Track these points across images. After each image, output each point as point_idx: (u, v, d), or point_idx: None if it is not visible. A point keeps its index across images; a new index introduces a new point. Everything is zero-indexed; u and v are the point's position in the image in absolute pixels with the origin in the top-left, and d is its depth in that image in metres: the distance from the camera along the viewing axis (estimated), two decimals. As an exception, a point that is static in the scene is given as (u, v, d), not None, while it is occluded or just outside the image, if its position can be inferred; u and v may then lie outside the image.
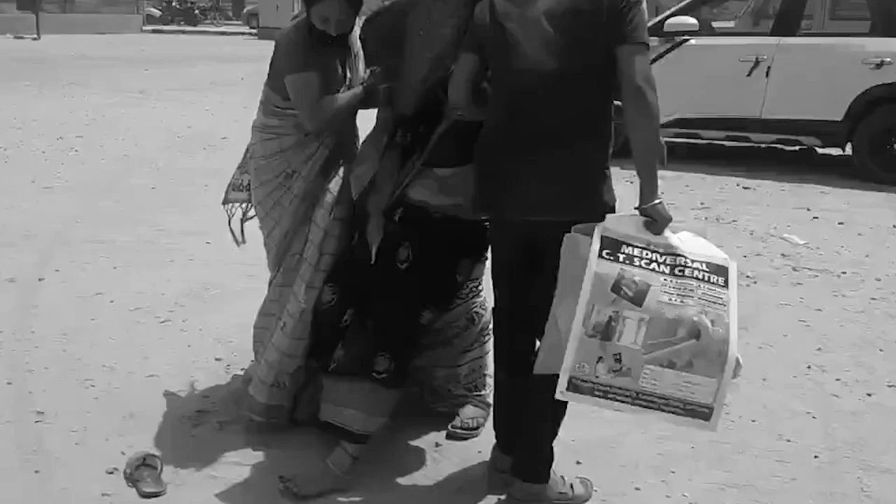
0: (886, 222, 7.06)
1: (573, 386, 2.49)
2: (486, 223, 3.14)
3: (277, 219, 3.36)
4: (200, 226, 6.17)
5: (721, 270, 2.59)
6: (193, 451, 3.28)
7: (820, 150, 9.53)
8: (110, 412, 3.57)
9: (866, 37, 8.70)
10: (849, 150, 8.82)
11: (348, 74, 3.36)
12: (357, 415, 3.05)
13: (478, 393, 3.57)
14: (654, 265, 2.53)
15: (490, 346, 3.34)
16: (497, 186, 2.78)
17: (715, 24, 10.78)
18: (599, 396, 2.49)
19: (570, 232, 2.60)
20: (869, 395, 3.96)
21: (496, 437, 3.17)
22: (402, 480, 3.18)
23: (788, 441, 3.53)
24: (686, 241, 2.62)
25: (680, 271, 2.54)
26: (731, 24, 13.14)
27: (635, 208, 2.60)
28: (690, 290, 2.52)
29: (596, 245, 2.51)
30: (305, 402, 3.41)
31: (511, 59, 2.66)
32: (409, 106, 3.10)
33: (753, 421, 3.69)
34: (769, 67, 8.61)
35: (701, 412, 2.52)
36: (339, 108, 3.25)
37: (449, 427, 3.45)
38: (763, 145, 9.35)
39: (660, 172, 2.63)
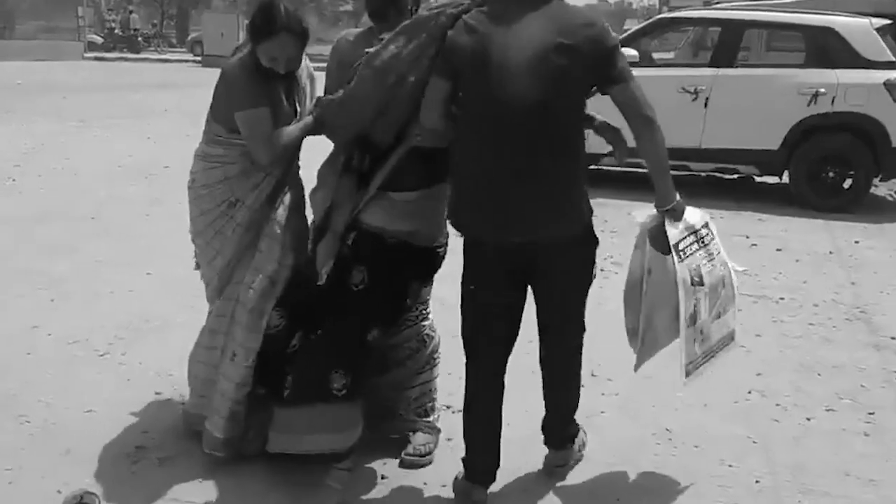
0: (823, 248, 7.23)
1: (686, 372, 3.17)
2: (439, 249, 3.23)
3: (219, 248, 3.33)
4: (141, 256, 6.09)
5: (707, 225, 3.24)
6: (132, 488, 3.22)
7: (758, 178, 9.74)
8: (46, 449, 3.48)
9: (801, 68, 8.94)
10: (786, 178, 9.05)
11: (297, 108, 3.36)
12: (331, 437, 3.07)
13: (427, 419, 3.57)
14: (694, 247, 3.13)
15: (438, 370, 3.51)
16: (489, 211, 2.88)
17: (655, 56, 10.99)
18: (696, 369, 3.22)
19: (561, 247, 2.95)
20: (808, 419, 4.03)
21: (472, 463, 3.17)
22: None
23: (730, 466, 3.57)
24: (690, 213, 3.16)
25: (703, 242, 3.17)
26: (671, 55, 13.43)
27: (658, 209, 3.08)
28: (709, 252, 3.19)
29: (675, 256, 3.03)
30: (252, 436, 3.35)
31: (495, 87, 2.78)
32: (389, 136, 3.08)
33: (696, 447, 3.73)
34: (707, 98, 8.81)
35: (730, 335, 3.39)
36: (291, 141, 3.25)
37: (402, 455, 3.45)
38: (703, 174, 9.54)
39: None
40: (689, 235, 3.12)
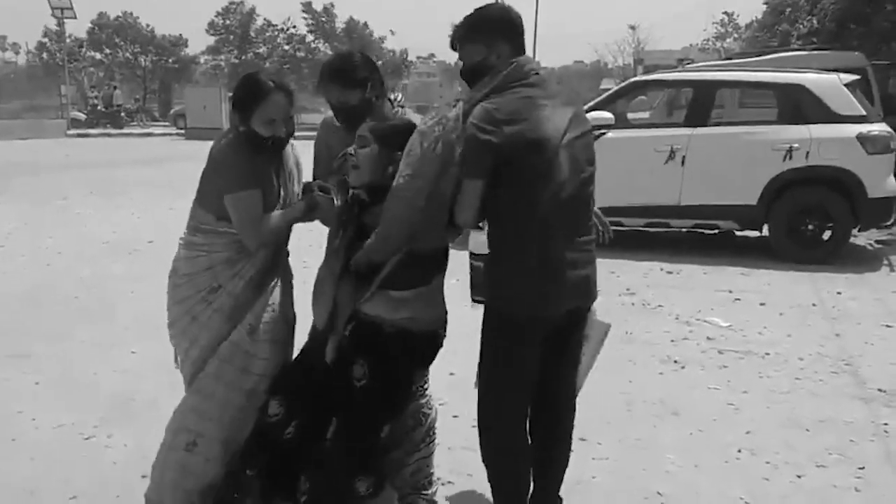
0: (806, 301, 7.28)
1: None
2: (440, 331, 3.19)
3: (194, 337, 3.27)
4: (126, 335, 6.06)
5: None
6: (119, 575, 3.16)
7: (738, 233, 9.84)
8: (31, 538, 3.43)
9: (774, 124, 9.11)
10: (766, 231, 9.15)
11: (282, 193, 3.33)
12: None
13: (425, 492, 3.55)
14: None
15: (436, 444, 3.51)
16: (550, 285, 2.96)
17: (630, 116, 11.16)
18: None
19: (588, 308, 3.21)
20: (798, 476, 4.03)
21: None
22: None
23: (723, 528, 3.56)
24: None
25: None
26: (646, 114, 13.62)
27: None
28: None
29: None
30: None
31: (552, 169, 2.89)
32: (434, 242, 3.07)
33: (688, 509, 3.72)
34: (684, 156, 8.95)
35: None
36: (281, 225, 3.24)
37: None
38: (684, 229, 9.64)
39: None
40: None
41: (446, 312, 3.22)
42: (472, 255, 3.11)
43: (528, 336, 3.02)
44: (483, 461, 3.20)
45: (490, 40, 2.99)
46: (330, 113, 3.40)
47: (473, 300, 3.15)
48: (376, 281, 3.01)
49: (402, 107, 3.40)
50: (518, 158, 2.84)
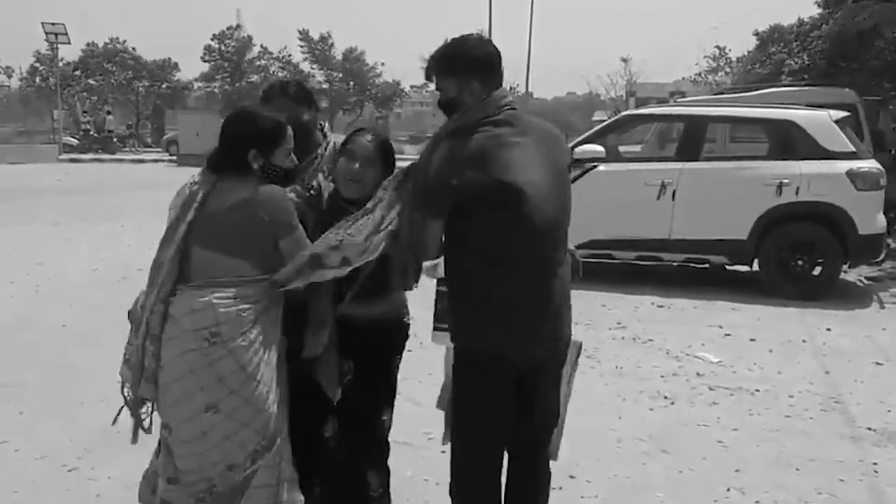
0: (796, 337, 7.28)
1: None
2: (406, 321, 3.39)
3: (269, 401, 3.10)
4: (112, 364, 5.97)
5: None
6: None
7: (729, 267, 9.85)
8: (10, 574, 3.37)
9: (765, 160, 9.16)
10: (756, 266, 9.17)
11: None
12: None
13: None
14: None
15: None
16: (520, 326, 2.89)
17: (622, 149, 11.22)
18: None
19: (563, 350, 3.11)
20: (788, 516, 4.00)
21: None
22: None
23: (712, 570, 3.52)
24: None
25: None
26: (637, 148, 13.69)
27: None
28: None
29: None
30: None
31: (528, 210, 2.80)
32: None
33: (677, 550, 3.68)
34: (675, 191, 8.98)
35: None
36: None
37: None
38: (675, 263, 9.66)
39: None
40: None
41: (406, 298, 3.40)
42: (439, 280, 3.13)
43: (496, 376, 2.92)
44: None
45: (462, 77, 2.93)
46: None
47: (435, 328, 3.18)
48: (347, 299, 3.16)
49: (327, 134, 3.58)
50: (481, 199, 2.79)
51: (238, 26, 54.13)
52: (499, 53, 3.02)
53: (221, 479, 3.02)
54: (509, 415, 2.97)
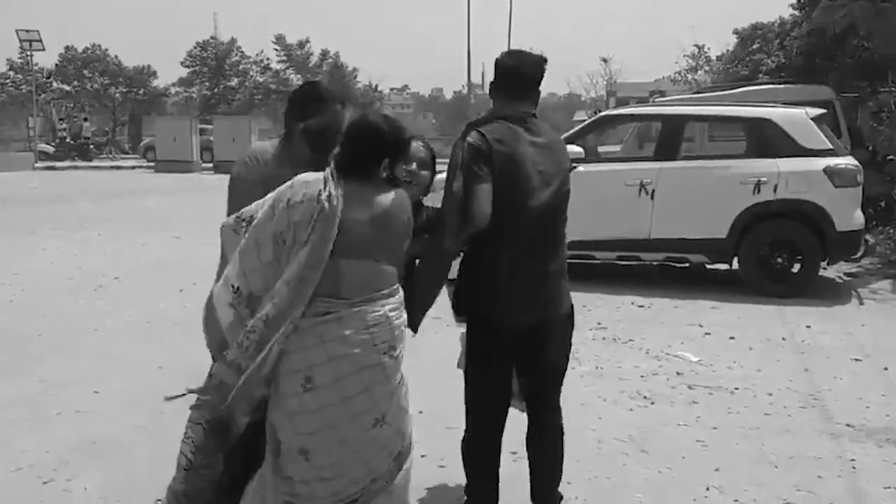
0: (776, 335, 7.29)
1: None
2: None
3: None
4: (88, 374, 5.95)
5: None
6: None
7: (709, 266, 9.87)
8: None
9: (743, 158, 9.19)
10: (736, 264, 9.19)
11: None
12: None
13: None
14: None
15: None
16: (514, 298, 3.43)
17: (601, 149, 11.23)
18: None
19: (561, 321, 3.62)
20: (768, 515, 4.00)
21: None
22: None
23: (693, 570, 3.51)
24: None
25: None
26: (616, 148, 13.72)
27: None
28: None
29: None
30: None
31: (521, 201, 3.39)
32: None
33: (657, 551, 3.67)
34: (654, 190, 8.99)
35: None
36: None
37: None
38: (655, 263, 9.67)
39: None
40: None
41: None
42: (448, 281, 3.54)
43: (497, 338, 3.47)
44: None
45: (493, 86, 3.59)
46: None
47: (457, 320, 3.69)
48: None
49: None
50: (500, 172, 3.34)
51: (213, 37, 54.01)
52: (517, 69, 3.59)
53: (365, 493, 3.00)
54: (506, 369, 3.56)
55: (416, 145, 3.40)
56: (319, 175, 3.00)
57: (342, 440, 2.91)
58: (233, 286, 2.94)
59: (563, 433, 3.71)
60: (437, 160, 3.54)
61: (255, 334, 2.87)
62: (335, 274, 2.91)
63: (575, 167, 8.95)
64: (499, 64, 3.59)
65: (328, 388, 2.88)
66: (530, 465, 3.70)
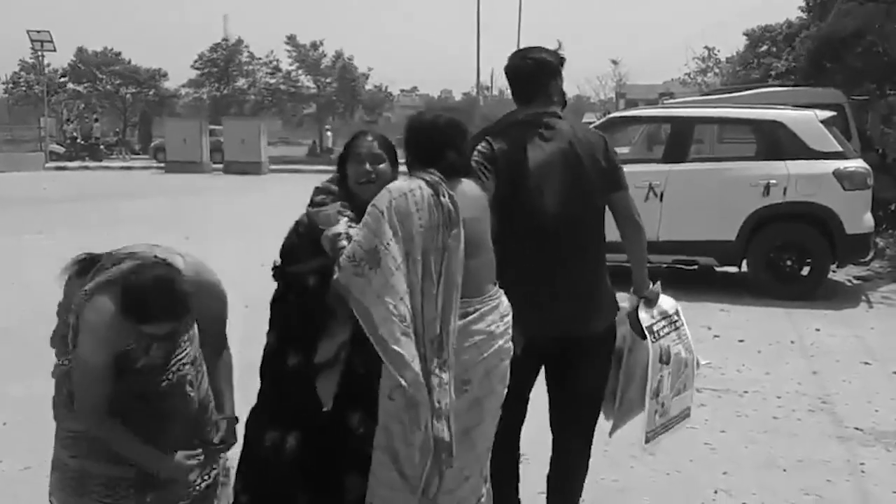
0: (785, 338, 7.27)
1: (647, 439, 3.54)
2: None
3: None
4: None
5: (678, 312, 3.68)
6: None
7: (717, 269, 9.85)
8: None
9: (752, 160, 9.16)
10: (745, 267, 9.17)
11: None
12: None
13: None
14: (666, 329, 3.55)
15: None
16: (531, 314, 3.19)
17: (610, 151, 11.20)
18: (655, 437, 3.56)
19: (590, 343, 3.42)
20: (775, 518, 3.99)
21: None
22: None
23: (700, 573, 3.50)
24: (660, 300, 3.60)
25: (674, 325, 3.60)
26: (625, 149, 13.69)
27: (635, 294, 3.55)
28: (679, 336, 3.59)
29: (650, 337, 3.43)
30: None
31: (536, 207, 3.27)
32: None
33: (664, 554, 3.66)
34: (662, 192, 8.97)
35: (686, 413, 3.72)
36: None
37: None
38: (663, 265, 9.64)
39: None
40: (661, 319, 3.56)
41: None
42: None
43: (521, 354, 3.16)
44: None
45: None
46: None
47: None
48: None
49: None
50: (506, 181, 3.22)
51: (225, 39, 54.12)
52: (517, 70, 3.51)
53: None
54: (520, 389, 3.27)
55: (364, 141, 3.21)
56: (413, 182, 2.94)
57: (484, 435, 3.07)
58: (401, 316, 2.78)
59: (587, 467, 3.60)
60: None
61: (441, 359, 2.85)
62: (467, 273, 2.94)
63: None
64: (505, 67, 3.51)
65: (483, 382, 2.98)
66: (548, 489, 3.61)
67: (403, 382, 2.73)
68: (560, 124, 3.40)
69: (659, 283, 3.64)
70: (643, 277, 3.58)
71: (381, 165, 3.17)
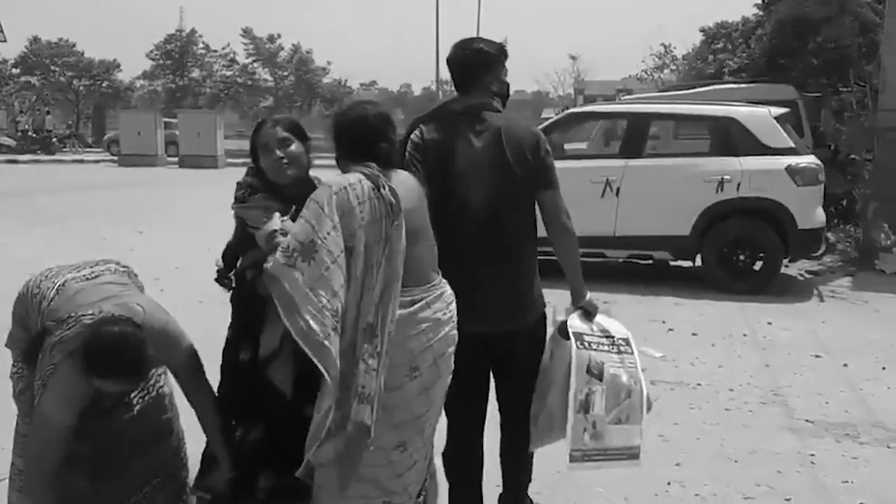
0: (738, 331, 7.35)
1: (572, 457, 3.21)
2: None
3: None
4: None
5: (627, 341, 3.48)
6: None
7: (672, 263, 9.94)
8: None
9: (706, 156, 9.26)
10: (699, 261, 9.26)
11: None
12: None
13: None
14: (604, 347, 3.37)
15: None
16: (467, 307, 3.15)
17: (567, 147, 11.25)
18: (587, 461, 3.25)
19: (520, 336, 3.38)
20: (727, 509, 4.03)
21: None
22: None
23: (652, 564, 3.52)
24: (606, 321, 3.48)
25: (617, 349, 3.40)
26: (583, 145, 13.75)
27: (573, 305, 3.44)
28: (622, 361, 3.37)
29: (573, 340, 3.28)
30: None
31: (461, 198, 3.25)
32: None
33: (617, 545, 3.68)
34: (619, 188, 9.03)
35: (632, 452, 3.38)
36: None
37: None
38: (619, 260, 9.71)
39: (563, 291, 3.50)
40: (600, 335, 3.41)
41: None
42: None
43: (464, 350, 3.17)
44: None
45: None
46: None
47: None
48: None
49: None
50: (434, 169, 3.23)
51: (179, 30, 53.49)
52: (453, 60, 3.49)
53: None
54: (475, 380, 3.40)
55: (265, 130, 3.23)
56: (352, 176, 2.92)
57: (433, 417, 3.14)
58: (333, 310, 2.75)
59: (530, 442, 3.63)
60: None
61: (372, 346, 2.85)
62: (410, 263, 2.95)
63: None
64: (447, 57, 3.50)
65: (432, 371, 3.01)
66: (502, 473, 3.69)
67: (327, 378, 2.72)
68: (494, 118, 3.37)
69: (609, 308, 3.65)
70: (578, 285, 3.48)
71: (291, 147, 3.20)
